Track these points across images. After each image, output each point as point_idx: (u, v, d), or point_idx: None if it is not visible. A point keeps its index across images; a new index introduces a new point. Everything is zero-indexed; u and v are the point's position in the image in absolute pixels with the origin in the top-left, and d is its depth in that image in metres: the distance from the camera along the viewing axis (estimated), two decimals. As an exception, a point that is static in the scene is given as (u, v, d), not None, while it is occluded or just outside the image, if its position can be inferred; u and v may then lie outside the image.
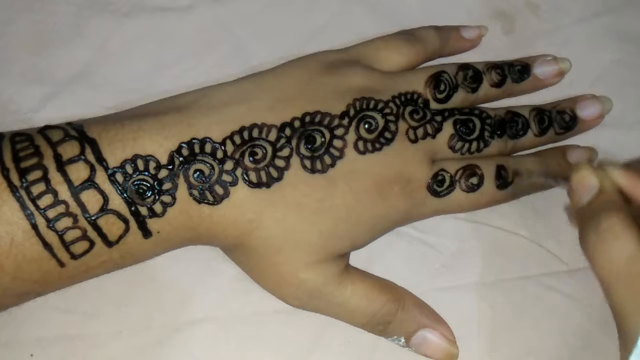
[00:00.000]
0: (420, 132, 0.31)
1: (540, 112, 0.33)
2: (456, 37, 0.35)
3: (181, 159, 0.27)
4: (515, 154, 0.33)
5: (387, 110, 0.30)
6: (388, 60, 0.32)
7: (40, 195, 0.26)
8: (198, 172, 0.27)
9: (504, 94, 0.34)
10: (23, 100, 0.33)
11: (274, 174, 0.28)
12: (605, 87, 0.35)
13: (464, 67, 0.33)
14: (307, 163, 0.29)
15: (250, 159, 0.28)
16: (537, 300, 0.32)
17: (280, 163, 0.28)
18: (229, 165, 0.28)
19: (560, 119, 0.33)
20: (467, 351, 0.31)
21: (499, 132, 0.32)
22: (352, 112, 0.30)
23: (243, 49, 0.35)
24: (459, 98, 0.32)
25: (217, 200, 0.28)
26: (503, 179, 0.31)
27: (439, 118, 0.31)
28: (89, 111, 0.33)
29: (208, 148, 0.28)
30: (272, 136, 0.29)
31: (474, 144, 0.32)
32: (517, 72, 0.34)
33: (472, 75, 0.33)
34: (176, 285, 0.31)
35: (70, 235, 0.26)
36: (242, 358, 0.31)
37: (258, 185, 0.28)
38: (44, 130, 0.27)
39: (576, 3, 0.37)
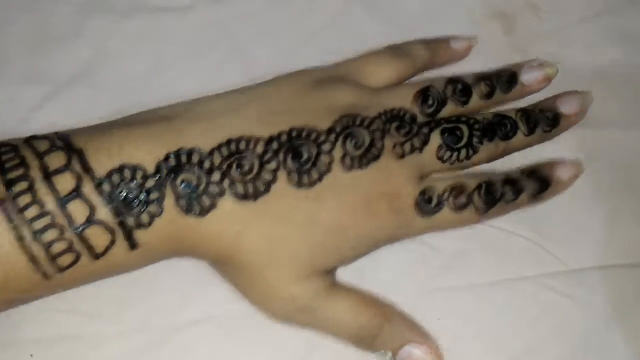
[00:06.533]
0: (407, 147, 0.30)
1: (525, 112, 0.33)
2: (445, 49, 0.35)
3: (169, 168, 0.27)
4: (503, 172, 0.33)
5: (374, 127, 0.30)
6: (376, 75, 0.32)
7: (26, 207, 0.25)
8: (185, 182, 0.27)
9: (493, 104, 0.33)
10: (23, 100, 0.33)
11: (261, 186, 0.28)
12: (606, 87, 0.35)
13: (453, 80, 0.33)
14: (294, 177, 0.28)
15: (238, 170, 0.28)
16: (537, 301, 0.32)
17: (267, 176, 0.28)
18: (216, 176, 0.28)
19: (545, 117, 0.33)
20: (466, 351, 0.31)
21: (489, 135, 0.32)
22: (338, 128, 0.29)
23: (243, 49, 0.35)
24: (448, 111, 0.32)
25: (204, 211, 0.27)
26: (491, 196, 0.31)
27: (425, 130, 0.31)
28: (89, 111, 0.33)
29: (196, 158, 0.28)
30: (260, 149, 0.28)
31: (463, 152, 0.31)
32: (504, 81, 0.33)
33: (462, 88, 0.32)
34: (176, 286, 0.31)
35: (57, 248, 0.26)
36: (242, 358, 0.31)
37: (245, 197, 0.28)
38: (29, 141, 0.27)
39: (576, 3, 0.37)
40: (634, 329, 0.32)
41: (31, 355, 0.30)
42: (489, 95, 0.33)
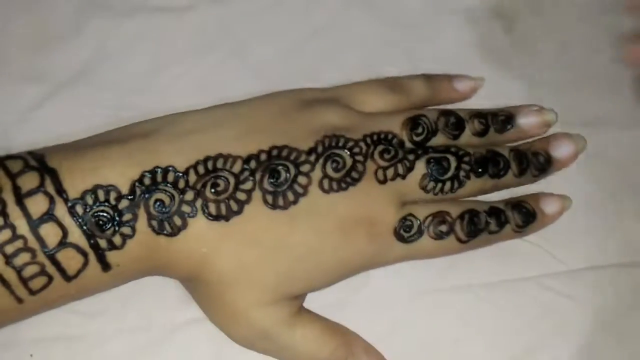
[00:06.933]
0: (390, 172, 0.30)
1: (518, 152, 0.32)
2: (448, 88, 0.34)
3: (143, 188, 0.27)
4: (488, 201, 0.32)
5: (356, 150, 0.29)
6: (367, 104, 0.31)
7: None
8: (158, 202, 0.27)
9: (486, 142, 0.32)
10: (22, 100, 0.33)
11: (234, 207, 0.27)
12: (605, 86, 0.35)
13: (446, 113, 0.32)
14: (269, 198, 0.28)
15: (212, 190, 0.27)
16: (537, 301, 0.32)
17: (241, 196, 0.28)
18: (189, 195, 0.27)
19: (536, 161, 0.32)
20: (466, 352, 0.31)
21: (480, 171, 0.31)
22: (320, 149, 0.29)
23: (243, 49, 0.35)
24: (438, 142, 0.31)
25: (175, 231, 0.27)
26: (474, 226, 0.30)
27: (411, 157, 0.30)
28: (89, 111, 0.33)
29: (170, 177, 0.27)
30: (237, 168, 0.28)
31: (448, 184, 0.30)
32: (500, 122, 0.33)
33: (454, 122, 0.31)
34: (177, 284, 0.31)
35: (29, 271, 0.25)
36: (243, 357, 0.31)
37: (217, 217, 0.27)
38: (3, 161, 0.26)
39: (576, 3, 0.37)
40: (634, 328, 0.32)
41: (31, 355, 0.30)
42: (481, 133, 0.32)
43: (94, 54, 0.34)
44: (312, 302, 0.31)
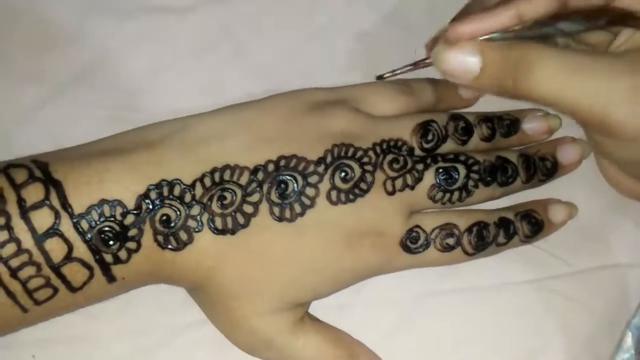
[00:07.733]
0: (398, 183, 0.29)
1: (526, 158, 0.32)
2: (453, 95, 0.34)
3: (148, 202, 0.27)
4: (497, 210, 0.32)
5: (365, 160, 0.29)
6: (377, 106, 0.31)
7: (3, 244, 0.25)
8: (164, 217, 0.27)
9: (492, 147, 0.32)
10: (23, 100, 0.33)
11: (241, 220, 0.27)
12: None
13: (456, 117, 0.31)
14: (276, 210, 0.28)
15: (219, 203, 0.27)
16: (540, 303, 0.32)
17: (248, 209, 0.27)
18: (195, 210, 0.27)
19: (543, 166, 0.32)
20: (469, 354, 0.31)
21: (488, 179, 0.31)
22: (329, 159, 0.28)
23: (243, 49, 0.35)
24: (446, 148, 0.31)
25: (180, 246, 0.27)
26: (482, 240, 0.30)
27: (420, 166, 0.30)
28: (89, 112, 0.33)
29: (177, 191, 0.27)
30: (244, 179, 0.28)
31: (456, 194, 0.30)
32: (505, 126, 0.32)
33: (464, 127, 0.31)
34: (178, 287, 0.31)
35: (34, 283, 0.26)
36: (243, 360, 0.31)
37: (223, 232, 0.27)
38: (7, 170, 0.26)
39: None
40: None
41: (33, 356, 0.30)
42: (489, 138, 0.32)
43: (95, 54, 0.34)
44: (313, 303, 0.31)
